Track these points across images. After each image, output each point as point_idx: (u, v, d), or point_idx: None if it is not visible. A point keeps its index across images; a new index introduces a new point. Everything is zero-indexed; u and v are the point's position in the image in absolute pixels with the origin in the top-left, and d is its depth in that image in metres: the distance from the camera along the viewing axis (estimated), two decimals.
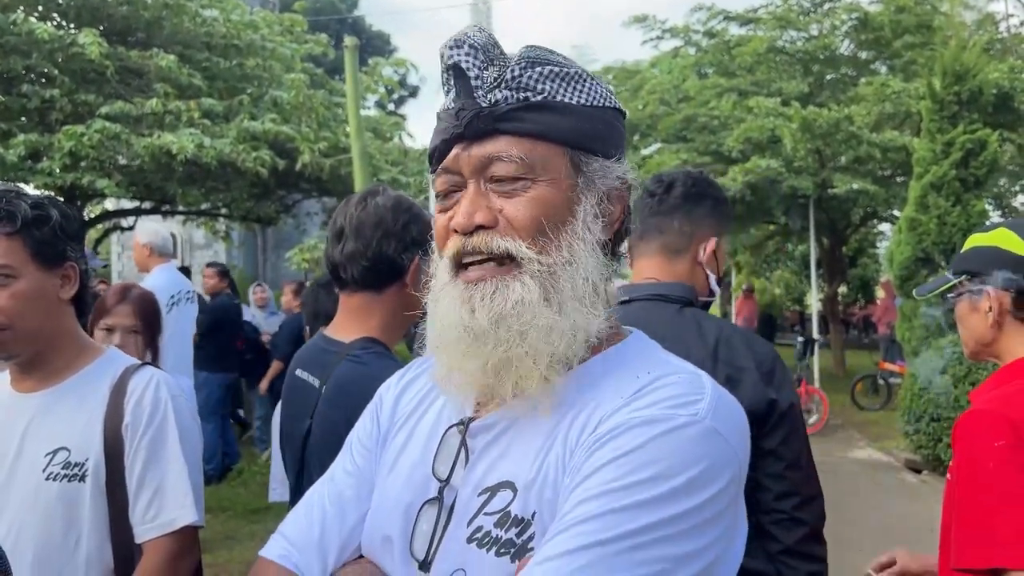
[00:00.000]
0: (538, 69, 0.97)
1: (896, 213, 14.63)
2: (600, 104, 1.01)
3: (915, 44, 13.77)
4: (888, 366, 12.45)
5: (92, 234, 13.38)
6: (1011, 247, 1.77)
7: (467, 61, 0.97)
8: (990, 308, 1.79)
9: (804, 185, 12.96)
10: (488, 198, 0.97)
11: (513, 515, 0.93)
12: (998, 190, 15.07)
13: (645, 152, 16.40)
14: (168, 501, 1.75)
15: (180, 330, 5.50)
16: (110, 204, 12.92)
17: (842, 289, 19.66)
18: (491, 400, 1.01)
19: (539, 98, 0.96)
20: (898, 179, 14.12)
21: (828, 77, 15.13)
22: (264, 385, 7.82)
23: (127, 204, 12.23)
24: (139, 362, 1.89)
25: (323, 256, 2.00)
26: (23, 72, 8.36)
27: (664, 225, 1.91)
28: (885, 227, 20.32)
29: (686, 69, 15.94)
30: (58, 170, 8.05)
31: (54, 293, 1.75)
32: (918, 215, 8.88)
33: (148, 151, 7.94)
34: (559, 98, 0.97)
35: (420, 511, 1.01)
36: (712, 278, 1.94)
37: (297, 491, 1.91)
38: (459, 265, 0.98)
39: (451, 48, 0.98)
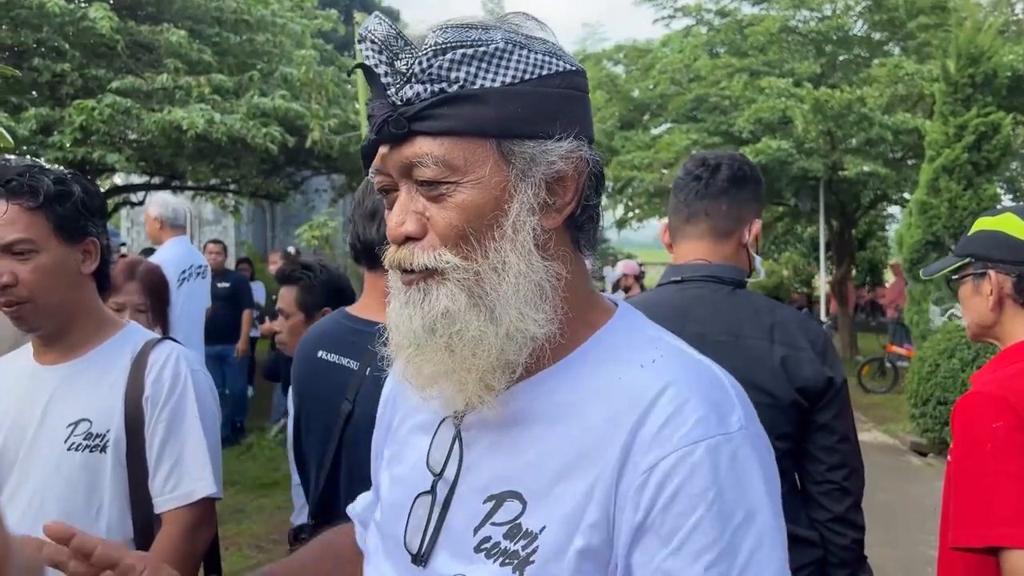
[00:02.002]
0: (449, 55, 0.87)
1: (907, 196, 14.55)
2: (535, 76, 0.90)
3: (929, 25, 13.64)
4: (895, 349, 12.46)
5: None
6: (1016, 233, 1.80)
7: (373, 58, 0.89)
8: (991, 292, 1.82)
9: (814, 167, 12.92)
10: (417, 202, 0.91)
11: (524, 528, 0.90)
12: (1010, 174, 14.98)
13: (655, 132, 16.33)
14: (187, 473, 1.79)
15: (190, 305, 5.49)
16: (120, 179, 12.93)
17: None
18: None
19: (454, 88, 0.87)
20: (909, 162, 14.05)
21: (841, 58, 15.02)
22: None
23: (137, 179, 12.25)
24: (159, 336, 1.92)
25: (353, 234, 1.99)
26: (34, 46, 8.35)
27: (712, 208, 1.94)
28: (895, 210, 20.22)
29: (698, 48, 15.83)
30: (68, 144, 8.05)
31: (75, 267, 1.77)
32: (929, 198, 8.85)
33: (158, 126, 7.94)
34: (478, 83, 0.88)
35: (414, 504, 1.00)
36: (758, 260, 2.01)
37: (334, 470, 1.94)
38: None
39: (358, 43, 0.93)
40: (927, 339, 8.51)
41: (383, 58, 0.88)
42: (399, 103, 0.88)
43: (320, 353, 1.97)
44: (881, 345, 13.69)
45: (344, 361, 1.92)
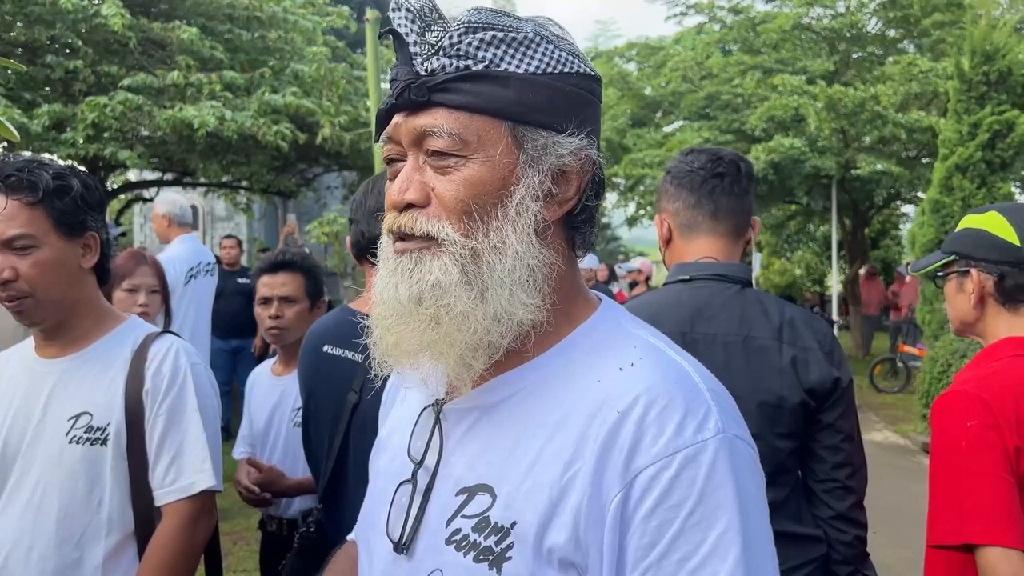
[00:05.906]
0: (479, 35, 0.89)
1: (920, 195, 14.46)
2: (556, 71, 0.92)
3: (944, 22, 13.53)
4: (908, 349, 12.38)
5: (114, 205, 13.49)
6: (998, 232, 1.80)
7: (405, 26, 0.90)
8: (973, 290, 1.83)
9: (827, 165, 12.86)
10: (424, 173, 0.92)
11: (493, 522, 0.90)
12: None
13: (667, 129, 16.29)
14: (186, 466, 1.80)
15: (197, 302, 5.52)
16: (132, 175, 13.01)
17: (863, 271, 19.48)
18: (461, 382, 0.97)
19: (480, 66, 0.89)
20: (923, 160, 13.95)
21: (854, 55, 14.92)
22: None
23: (149, 175, 12.31)
24: (159, 330, 1.93)
25: (356, 232, 2.04)
26: (47, 42, 8.38)
27: (738, 207, 1.94)
28: (908, 209, 20.10)
29: (710, 46, 15.79)
30: (81, 141, 8.10)
31: (76, 262, 1.79)
32: (942, 197, 8.78)
33: (170, 123, 7.97)
34: (502, 66, 0.90)
35: (396, 492, 1.01)
36: (757, 258, 2.02)
37: (341, 457, 2.02)
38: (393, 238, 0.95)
39: (392, 11, 0.91)
40: (939, 339, 8.45)
41: (415, 27, 0.90)
42: (423, 72, 0.90)
43: (325, 347, 2.04)
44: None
45: (348, 354, 1.99)
